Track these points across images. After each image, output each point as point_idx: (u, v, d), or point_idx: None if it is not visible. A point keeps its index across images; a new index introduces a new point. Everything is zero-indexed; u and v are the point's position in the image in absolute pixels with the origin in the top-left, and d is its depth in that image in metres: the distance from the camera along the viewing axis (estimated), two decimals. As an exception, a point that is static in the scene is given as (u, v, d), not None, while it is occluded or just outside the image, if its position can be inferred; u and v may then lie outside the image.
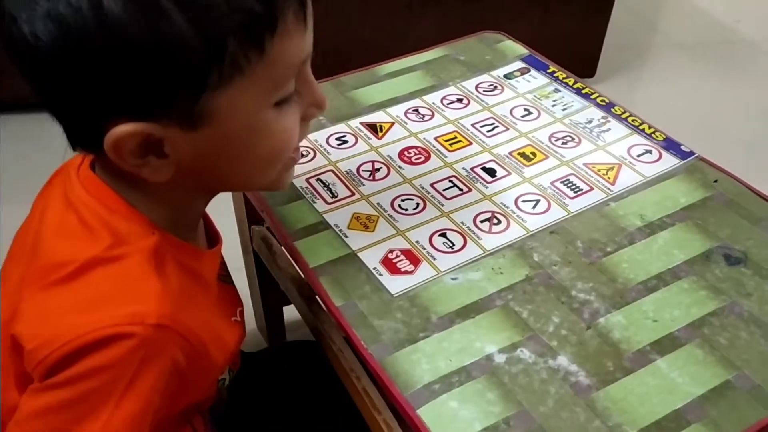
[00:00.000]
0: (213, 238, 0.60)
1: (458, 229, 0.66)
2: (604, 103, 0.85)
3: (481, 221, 0.67)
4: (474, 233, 0.66)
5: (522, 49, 0.96)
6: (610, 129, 0.81)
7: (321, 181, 0.72)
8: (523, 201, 0.70)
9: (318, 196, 0.70)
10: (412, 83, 0.89)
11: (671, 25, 2.10)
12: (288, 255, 0.67)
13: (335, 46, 1.48)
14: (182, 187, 0.49)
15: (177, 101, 0.42)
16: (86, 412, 0.43)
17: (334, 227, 0.66)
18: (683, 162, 0.75)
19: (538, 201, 0.70)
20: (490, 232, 0.66)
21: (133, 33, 0.39)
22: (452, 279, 0.61)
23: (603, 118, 0.82)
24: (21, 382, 0.47)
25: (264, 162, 0.50)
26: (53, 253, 0.48)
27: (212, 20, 0.40)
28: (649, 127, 0.81)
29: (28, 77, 0.44)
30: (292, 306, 0.76)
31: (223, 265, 0.62)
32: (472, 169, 0.74)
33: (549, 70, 0.91)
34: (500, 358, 0.55)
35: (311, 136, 0.79)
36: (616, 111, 0.84)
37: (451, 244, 0.64)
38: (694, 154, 0.77)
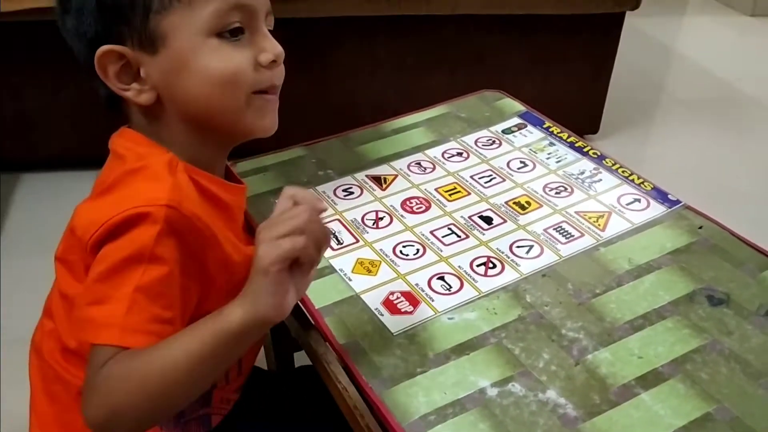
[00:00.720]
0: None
1: (455, 273, 0.70)
2: (596, 156, 0.90)
3: (477, 265, 0.71)
4: (470, 276, 0.70)
5: (519, 106, 1.02)
6: (601, 179, 0.85)
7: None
8: (518, 246, 0.74)
9: (324, 243, 0.75)
10: (415, 138, 0.94)
11: (674, 82, 2.17)
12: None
13: (347, 105, 1.55)
14: (176, 118, 0.61)
15: (133, 21, 0.57)
16: (121, 279, 0.53)
17: (339, 271, 0.71)
18: (670, 210, 0.80)
19: (531, 246, 0.74)
20: (485, 275, 0.70)
21: None
22: (449, 318, 0.65)
23: (595, 169, 0.87)
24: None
25: (216, 86, 0.59)
26: (98, 181, 0.62)
27: None
28: (638, 178, 0.85)
29: (75, 55, 0.61)
30: (301, 352, 0.79)
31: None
32: (470, 217, 0.79)
33: (545, 126, 0.97)
34: (493, 392, 0.58)
35: (319, 187, 0.84)
36: (607, 163, 0.89)
37: (448, 287, 0.69)
38: (680, 202, 0.81)
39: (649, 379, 0.59)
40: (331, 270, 0.71)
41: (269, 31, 0.64)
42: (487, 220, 0.78)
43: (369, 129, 0.97)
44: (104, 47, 0.58)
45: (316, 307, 0.67)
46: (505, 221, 0.78)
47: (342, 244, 0.75)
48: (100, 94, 0.62)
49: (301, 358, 1.00)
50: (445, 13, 1.45)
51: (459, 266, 0.71)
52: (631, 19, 1.60)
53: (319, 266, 0.71)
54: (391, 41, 1.51)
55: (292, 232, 0.51)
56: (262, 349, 1.05)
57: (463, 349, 0.62)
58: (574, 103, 1.65)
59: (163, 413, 0.55)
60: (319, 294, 0.68)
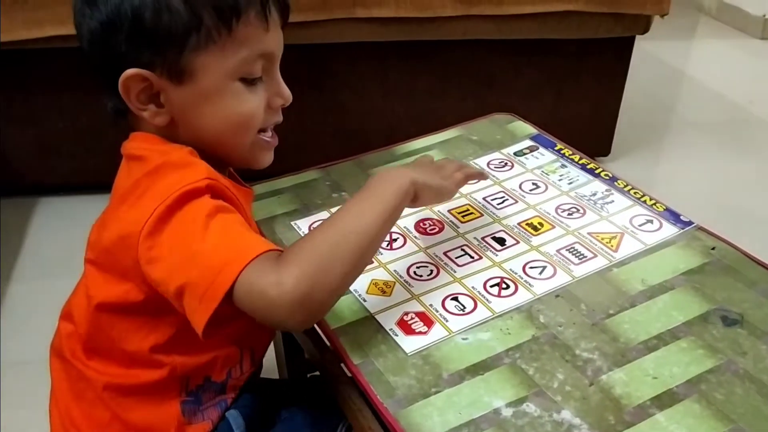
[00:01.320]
0: None
1: (469, 294, 0.71)
2: (607, 177, 0.91)
3: (491, 286, 0.72)
4: (484, 297, 0.70)
5: (531, 129, 1.03)
6: (613, 201, 0.86)
7: (342, 250, 0.78)
8: (531, 267, 0.75)
9: (339, 264, 0.76)
10: (427, 161, 0.95)
11: (685, 105, 2.17)
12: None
13: (360, 130, 1.57)
14: (183, 137, 0.64)
15: (167, 53, 0.60)
16: (209, 231, 0.57)
17: (354, 292, 0.72)
18: (683, 231, 0.80)
19: (544, 267, 0.75)
20: (499, 296, 0.71)
21: (147, 9, 0.59)
22: (463, 339, 0.66)
23: (607, 190, 0.88)
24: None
25: (232, 125, 0.65)
26: (117, 186, 0.65)
27: (196, 1, 0.59)
28: (650, 199, 0.86)
29: (88, 59, 0.63)
30: (315, 374, 0.79)
31: None
32: (483, 238, 0.79)
33: (556, 148, 0.98)
34: (507, 412, 0.58)
35: (334, 209, 0.85)
36: (619, 184, 0.89)
37: (462, 307, 0.69)
38: (692, 223, 0.81)
39: (664, 400, 0.59)
40: (346, 291, 0.72)
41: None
42: (500, 241, 0.79)
43: (382, 152, 0.98)
44: (133, 71, 0.60)
45: (331, 328, 0.67)
46: (518, 242, 0.79)
47: (356, 265, 0.76)
48: (107, 103, 0.65)
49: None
50: (456, 38, 1.47)
51: (473, 287, 0.72)
52: (641, 43, 1.61)
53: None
54: (403, 66, 1.53)
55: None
56: (275, 365, 1.06)
57: (477, 369, 0.62)
58: (586, 126, 1.66)
59: (356, 269, 0.61)
60: (334, 314, 0.69)
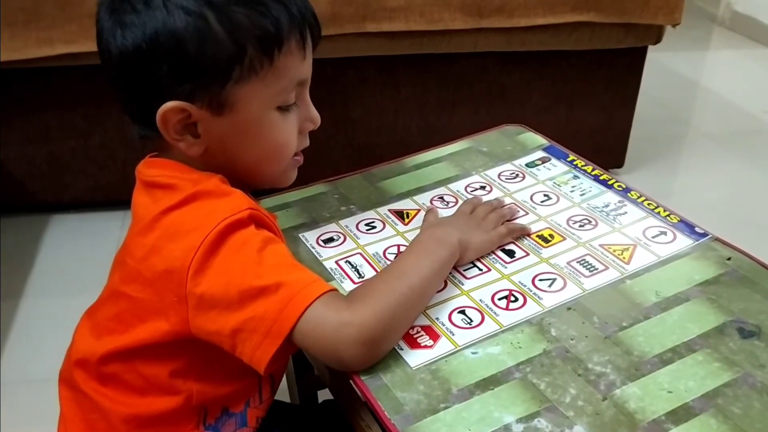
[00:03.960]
0: None
1: (476, 307, 0.70)
2: (621, 189, 0.89)
3: (499, 299, 0.71)
4: (491, 310, 0.69)
5: (542, 140, 1.02)
6: (626, 212, 0.84)
7: (349, 263, 0.77)
8: (540, 280, 0.73)
9: (346, 277, 0.75)
10: (437, 173, 0.94)
11: (700, 116, 2.15)
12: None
13: (370, 143, 1.57)
14: (215, 164, 0.63)
15: (210, 86, 0.59)
16: (264, 264, 0.57)
17: (361, 306, 0.71)
18: (697, 242, 0.78)
19: (554, 279, 0.73)
20: (507, 309, 0.69)
21: (190, 40, 0.57)
22: (472, 353, 0.64)
23: (619, 202, 0.87)
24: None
25: (269, 154, 0.65)
26: (140, 215, 0.62)
27: (240, 31, 0.58)
28: (665, 210, 0.84)
29: (113, 80, 0.62)
30: (324, 390, 0.78)
31: None
32: (492, 250, 0.78)
33: (569, 159, 0.97)
34: (518, 428, 0.57)
35: (342, 222, 0.84)
36: (632, 195, 0.88)
37: (469, 320, 0.68)
38: (708, 234, 0.80)
39: (680, 414, 0.57)
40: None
41: None
42: (510, 253, 0.78)
43: (391, 164, 0.98)
44: (174, 104, 0.59)
45: (338, 342, 0.66)
46: (527, 254, 0.78)
47: (363, 277, 0.75)
48: (133, 128, 0.65)
49: (324, 396, 0.99)
50: (466, 50, 1.47)
51: (480, 300, 0.71)
52: (655, 55, 1.60)
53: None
54: (414, 79, 1.53)
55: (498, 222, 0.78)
56: (285, 385, 1.05)
57: (487, 384, 0.61)
58: (598, 138, 1.65)
59: (414, 315, 0.65)
60: (341, 329, 0.68)
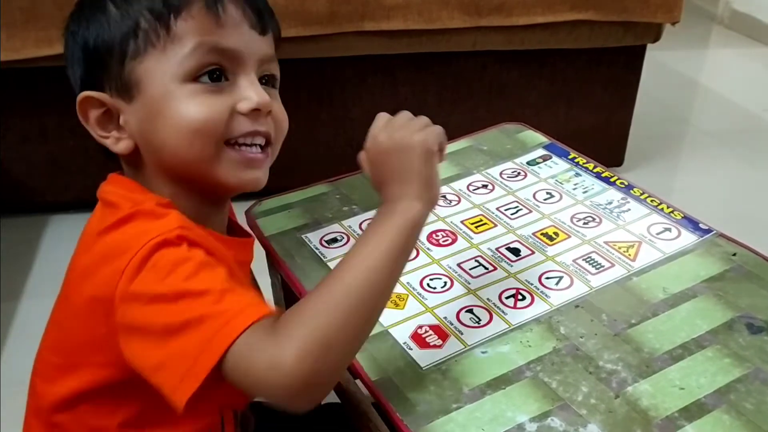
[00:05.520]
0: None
1: (484, 306, 0.69)
2: (623, 186, 0.89)
3: (506, 297, 0.70)
4: (499, 309, 0.69)
5: (542, 138, 1.01)
6: (629, 209, 0.84)
7: (355, 263, 0.76)
8: (547, 278, 0.73)
9: (352, 278, 0.74)
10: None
11: (699, 115, 2.16)
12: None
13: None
14: (154, 169, 0.59)
15: (110, 67, 0.57)
16: (198, 287, 0.50)
17: (368, 306, 0.70)
18: (702, 238, 0.78)
19: (561, 278, 0.73)
20: (515, 307, 0.69)
21: (89, 26, 0.57)
22: (482, 352, 0.64)
23: (622, 199, 0.86)
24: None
25: (183, 134, 0.56)
26: (87, 231, 0.60)
27: (131, 3, 0.56)
28: (668, 207, 0.84)
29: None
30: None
31: None
32: (497, 249, 0.78)
33: (570, 157, 0.96)
34: (531, 427, 0.56)
35: (345, 222, 0.84)
36: (635, 192, 0.87)
37: (477, 319, 0.67)
38: (712, 231, 0.79)
39: (693, 411, 0.57)
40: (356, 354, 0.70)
41: (277, 77, 0.62)
42: (515, 252, 0.77)
43: (392, 164, 0.97)
44: (83, 93, 0.58)
45: (346, 343, 0.66)
46: (533, 252, 0.77)
47: (369, 278, 0.74)
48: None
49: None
50: (465, 49, 1.46)
51: (488, 299, 0.70)
52: (652, 53, 1.60)
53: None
54: (413, 78, 1.53)
55: (427, 124, 0.60)
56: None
57: (498, 383, 0.60)
58: (597, 136, 1.65)
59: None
60: (348, 329, 0.67)
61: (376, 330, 0.67)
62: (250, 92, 0.57)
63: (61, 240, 1.50)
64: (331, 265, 0.76)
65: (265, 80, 0.61)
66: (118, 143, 0.59)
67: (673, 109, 2.14)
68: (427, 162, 0.58)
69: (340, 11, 1.33)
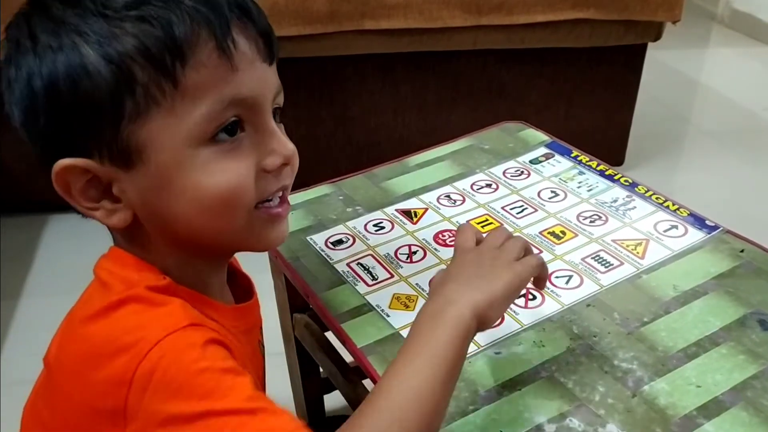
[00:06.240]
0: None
1: (497, 305, 0.69)
2: (627, 183, 0.89)
3: (517, 297, 0.70)
4: (511, 309, 0.68)
5: (543, 137, 1.01)
6: (635, 207, 0.84)
7: (361, 265, 0.76)
8: (556, 277, 0.73)
9: (359, 279, 0.73)
10: (441, 172, 0.93)
11: (699, 114, 2.16)
12: (335, 338, 0.70)
13: (370, 142, 1.55)
14: (158, 239, 0.51)
15: (99, 131, 0.46)
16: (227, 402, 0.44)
17: (377, 308, 0.69)
18: (709, 235, 0.78)
19: (570, 276, 0.73)
20: (525, 307, 0.68)
21: (62, 80, 0.45)
22: (496, 353, 0.63)
23: (628, 197, 0.86)
24: None
25: (210, 205, 0.48)
26: (78, 306, 0.51)
27: (120, 52, 0.44)
28: (673, 204, 0.84)
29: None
30: (330, 395, 0.76)
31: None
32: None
33: (572, 155, 0.96)
34: (551, 428, 0.56)
35: (350, 223, 0.83)
36: (639, 190, 0.87)
37: (490, 319, 0.67)
38: (719, 227, 0.79)
39: (711, 409, 0.56)
40: (368, 307, 0.70)
41: (281, 110, 0.54)
42: (524, 251, 0.77)
43: (393, 164, 0.96)
44: (63, 162, 0.46)
45: (358, 347, 0.65)
46: (540, 251, 0.77)
47: (377, 279, 0.73)
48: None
49: (330, 400, 0.98)
50: (466, 48, 1.46)
51: (499, 298, 0.70)
52: (654, 53, 1.60)
53: (356, 304, 0.70)
54: (413, 77, 1.52)
55: (526, 249, 0.57)
56: (291, 395, 1.03)
57: (514, 384, 0.60)
58: (598, 135, 1.65)
59: None
60: (359, 332, 0.66)
61: (386, 332, 0.66)
62: (275, 145, 0.50)
63: (60, 239, 1.49)
64: (339, 267, 0.75)
65: (277, 116, 0.53)
66: (112, 216, 0.49)
67: (674, 108, 2.14)
68: (511, 296, 0.54)
69: (341, 10, 1.33)
